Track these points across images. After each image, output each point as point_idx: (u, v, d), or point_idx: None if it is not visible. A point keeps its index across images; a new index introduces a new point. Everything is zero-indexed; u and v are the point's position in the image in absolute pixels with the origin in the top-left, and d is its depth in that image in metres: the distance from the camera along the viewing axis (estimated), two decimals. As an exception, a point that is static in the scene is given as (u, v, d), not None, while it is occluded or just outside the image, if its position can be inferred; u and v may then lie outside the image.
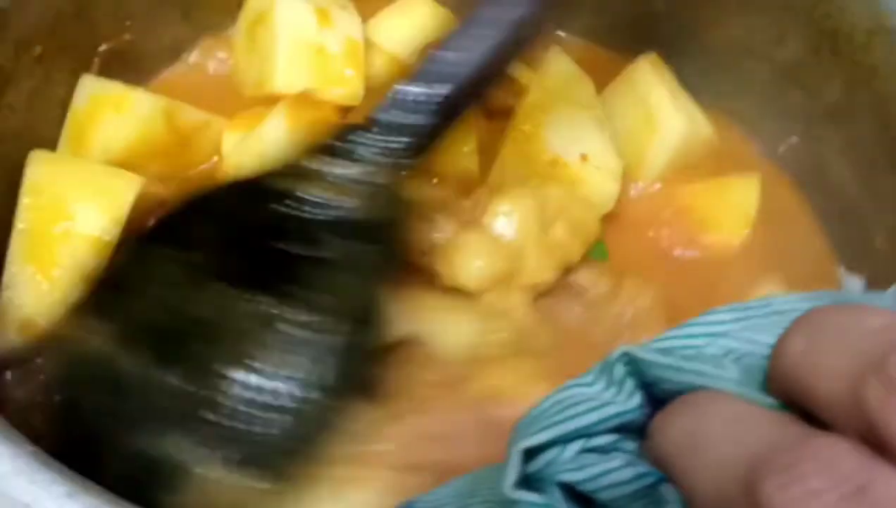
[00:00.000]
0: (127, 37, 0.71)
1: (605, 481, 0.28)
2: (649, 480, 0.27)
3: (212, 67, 0.76)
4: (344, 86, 0.70)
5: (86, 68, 0.68)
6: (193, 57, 0.76)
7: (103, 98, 0.66)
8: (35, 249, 0.59)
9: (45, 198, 0.60)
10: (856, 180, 0.67)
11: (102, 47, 0.69)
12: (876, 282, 0.66)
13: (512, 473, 0.28)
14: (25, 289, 0.59)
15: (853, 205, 0.68)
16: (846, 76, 0.66)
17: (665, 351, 0.29)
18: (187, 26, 0.75)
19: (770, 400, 0.27)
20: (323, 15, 0.71)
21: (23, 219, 0.60)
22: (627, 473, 0.27)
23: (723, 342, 0.29)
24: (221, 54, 0.76)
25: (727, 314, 0.30)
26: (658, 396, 0.29)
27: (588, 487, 0.28)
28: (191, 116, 0.69)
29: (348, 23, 0.72)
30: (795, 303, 0.30)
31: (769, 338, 0.28)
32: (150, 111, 0.66)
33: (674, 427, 0.27)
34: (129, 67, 0.72)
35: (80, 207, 0.60)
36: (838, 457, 0.22)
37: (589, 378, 0.30)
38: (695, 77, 0.72)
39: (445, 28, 0.57)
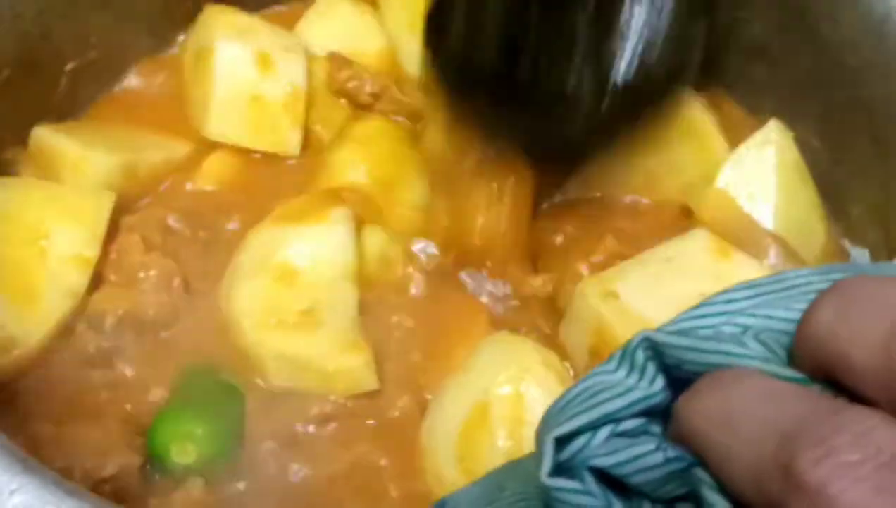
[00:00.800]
0: (92, 54, 0.70)
1: (637, 465, 0.28)
2: (681, 464, 0.27)
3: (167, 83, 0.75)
4: (280, 136, 0.69)
5: (54, 89, 0.68)
6: (153, 71, 0.75)
7: (61, 158, 0.64)
8: (12, 274, 0.59)
9: (18, 225, 0.60)
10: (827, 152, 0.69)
11: (69, 66, 0.69)
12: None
13: (547, 461, 0.28)
14: (6, 311, 0.58)
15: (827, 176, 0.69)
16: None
17: (683, 333, 0.29)
18: (152, 40, 0.74)
19: (796, 374, 0.27)
20: (264, 60, 0.69)
21: (-4, 247, 0.59)
22: (658, 457, 0.27)
23: (739, 320, 0.29)
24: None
25: (740, 293, 0.30)
26: (680, 378, 0.29)
27: (620, 471, 0.28)
28: (150, 159, 0.67)
29: (292, 67, 0.70)
30: (808, 277, 0.30)
31: (785, 313, 0.28)
32: (107, 175, 0.64)
33: (701, 407, 0.26)
34: (97, 82, 0.72)
35: (55, 229, 0.60)
36: (871, 428, 0.22)
37: (612, 366, 0.30)
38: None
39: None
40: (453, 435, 0.56)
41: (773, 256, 0.62)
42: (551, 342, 0.62)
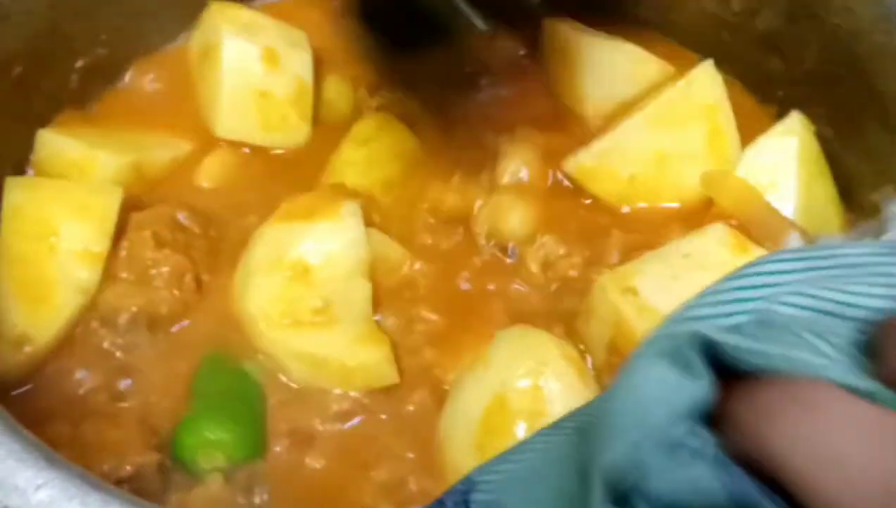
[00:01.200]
0: (102, 51, 0.70)
1: (694, 492, 0.25)
2: (749, 493, 0.24)
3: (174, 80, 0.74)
4: (289, 131, 0.69)
5: (64, 86, 0.68)
6: (160, 67, 0.74)
7: (68, 160, 0.64)
8: (23, 272, 0.59)
9: (27, 222, 0.60)
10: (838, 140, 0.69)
11: (79, 63, 0.69)
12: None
13: (598, 494, 0.26)
14: (17, 308, 0.58)
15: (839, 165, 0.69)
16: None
17: (740, 330, 0.27)
18: (159, 36, 0.74)
19: (876, 386, 0.25)
20: (270, 56, 0.68)
21: (7, 244, 0.59)
22: (716, 484, 0.25)
23: (788, 299, 0.27)
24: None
25: (787, 264, 0.28)
26: (723, 366, 0.26)
27: (675, 498, 0.25)
28: (157, 158, 0.67)
29: (297, 62, 0.70)
30: (867, 257, 0.28)
31: (842, 296, 0.27)
32: (115, 175, 0.64)
33: (784, 430, 0.24)
34: (105, 79, 0.71)
35: (65, 226, 0.60)
36: None
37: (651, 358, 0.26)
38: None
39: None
40: (472, 427, 0.56)
41: (794, 243, 0.62)
42: (569, 335, 0.61)
